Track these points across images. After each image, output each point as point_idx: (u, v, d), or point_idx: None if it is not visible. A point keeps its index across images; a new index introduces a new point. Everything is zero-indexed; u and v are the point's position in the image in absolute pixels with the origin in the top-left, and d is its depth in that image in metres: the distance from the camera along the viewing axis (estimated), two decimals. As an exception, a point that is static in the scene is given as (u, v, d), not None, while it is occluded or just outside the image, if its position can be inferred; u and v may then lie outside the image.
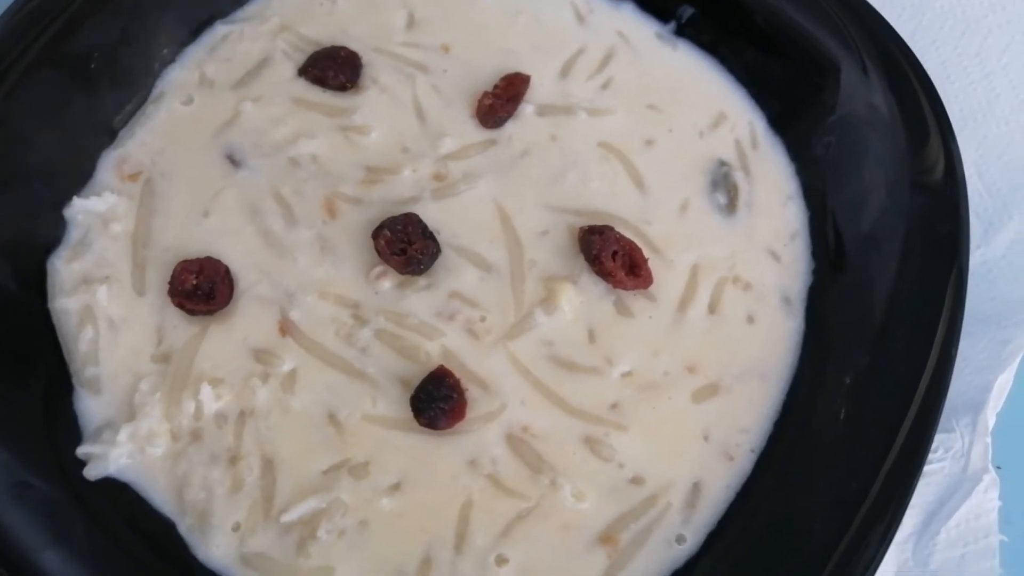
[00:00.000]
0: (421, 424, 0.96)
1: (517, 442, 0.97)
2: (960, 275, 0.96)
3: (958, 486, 1.04)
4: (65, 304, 1.03)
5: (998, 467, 1.03)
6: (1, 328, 1.00)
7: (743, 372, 1.02)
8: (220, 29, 1.21)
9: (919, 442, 0.89)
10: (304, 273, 1.05)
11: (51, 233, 1.07)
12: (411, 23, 1.22)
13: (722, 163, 1.14)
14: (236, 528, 0.94)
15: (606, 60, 1.20)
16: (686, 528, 0.95)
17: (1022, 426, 1.06)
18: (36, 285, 1.04)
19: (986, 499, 1.02)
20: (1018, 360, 1.06)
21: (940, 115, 1.04)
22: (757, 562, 0.91)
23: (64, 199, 1.08)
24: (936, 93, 1.06)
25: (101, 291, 1.03)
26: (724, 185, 1.12)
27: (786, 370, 1.03)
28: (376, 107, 1.15)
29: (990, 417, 1.04)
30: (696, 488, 0.97)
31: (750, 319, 1.05)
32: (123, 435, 0.95)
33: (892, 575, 1.01)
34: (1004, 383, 1.05)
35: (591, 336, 1.03)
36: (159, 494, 0.96)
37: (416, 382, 0.98)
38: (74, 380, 1.00)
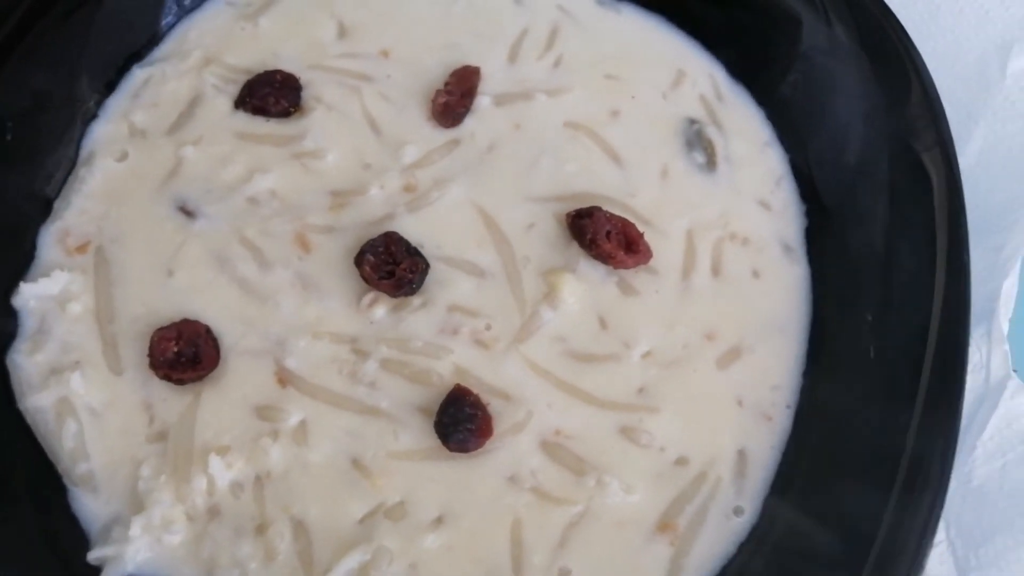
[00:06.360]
0: (450, 450, 0.91)
1: (553, 447, 0.93)
2: (954, 182, 0.96)
3: (983, 398, 1.03)
4: (37, 401, 0.93)
5: (1014, 370, 1.04)
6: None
7: (761, 329, 1.00)
8: (139, 73, 1.11)
9: (955, 359, 0.88)
10: (291, 317, 0.98)
11: (2, 327, 0.97)
12: (342, 33, 1.15)
13: (692, 121, 1.10)
14: (281, 601, 0.87)
15: (552, 37, 1.15)
16: (741, 498, 0.93)
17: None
18: (-1, 388, 0.95)
19: (1014, 405, 1.02)
20: (1019, 264, 1.06)
21: (900, 33, 1.03)
22: (818, 516, 0.89)
23: (10, 287, 0.98)
24: (891, 12, 1.05)
25: (75, 379, 0.93)
26: (699, 143, 1.09)
27: (803, 318, 1.01)
28: (326, 127, 1.08)
29: (1004, 324, 1.04)
30: (742, 456, 0.94)
31: (755, 274, 1.03)
32: (135, 529, 0.87)
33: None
34: (1010, 288, 1.05)
35: (602, 323, 0.99)
36: (189, 583, 0.88)
37: (435, 407, 0.92)
38: (65, 481, 0.91)
